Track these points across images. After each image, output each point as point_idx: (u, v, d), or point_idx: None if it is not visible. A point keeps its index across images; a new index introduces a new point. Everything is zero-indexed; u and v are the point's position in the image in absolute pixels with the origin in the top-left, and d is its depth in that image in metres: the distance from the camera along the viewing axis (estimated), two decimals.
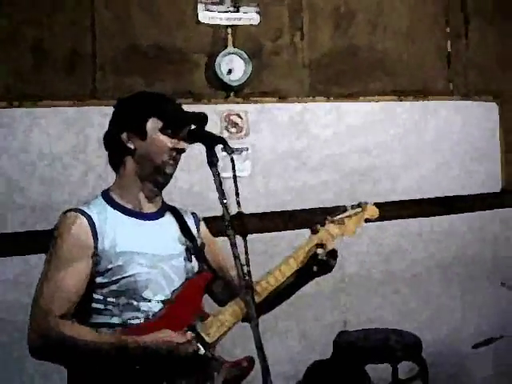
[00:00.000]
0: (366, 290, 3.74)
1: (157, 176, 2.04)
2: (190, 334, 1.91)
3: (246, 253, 1.82)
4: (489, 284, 3.94)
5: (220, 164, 1.89)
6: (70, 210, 2.00)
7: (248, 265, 1.82)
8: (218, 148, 1.91)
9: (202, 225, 2.24)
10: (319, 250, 2.07)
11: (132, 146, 2.02)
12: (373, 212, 2.26)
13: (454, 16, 3.99)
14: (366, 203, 2.27)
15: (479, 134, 4.05)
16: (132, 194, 2.06)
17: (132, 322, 1.96)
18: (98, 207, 2.02)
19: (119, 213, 2.03)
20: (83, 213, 1.98)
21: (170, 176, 2.06)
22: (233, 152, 1.89)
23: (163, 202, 2.14)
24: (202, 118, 1.98)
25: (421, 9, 3.90)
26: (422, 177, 3.89)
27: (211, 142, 1.90)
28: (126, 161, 2.05)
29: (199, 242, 2.17)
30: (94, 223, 1.97)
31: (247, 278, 1.84)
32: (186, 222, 2.15)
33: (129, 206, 2.05)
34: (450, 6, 3.97)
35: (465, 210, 3.98)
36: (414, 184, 3.87)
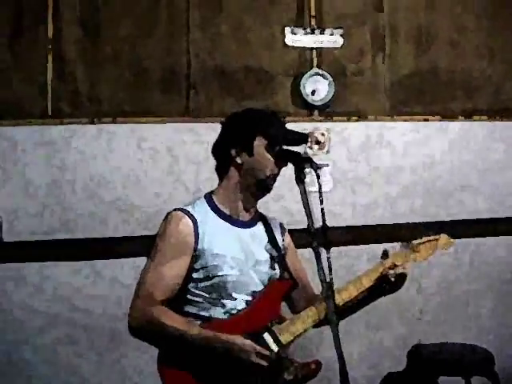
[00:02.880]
0: (441, 304, 3.81)
1: (258, 189, 2.24)
2: (257, 347, 2.06)
3: (329, 263, 1.97)
4: None
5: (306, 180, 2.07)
6: (177, 210, 2.22)
7: (330, 274, 1.97)
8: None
9: (287, 235, 2.42)
10: (391, 271, 2.21)
11: (240, 161, 2.22)
12: (446, 242, 2.37)
13: None
14: (443, 231, 2.38)
15: None
16: (232, 202, 2.26)
17: (217, 316, 2.16)
18: (201, 209, 2.23)
19: (219, 217, 2.24)
20: (188, 213, 2.20)
21: (270, 189, 2.25)
22: (319, 169, 2.06)
23: (257, 211, 2.33)
24: (304, 139, 2.20)
25: (500, 30, 3.95)
26: (500, 196, 3.93)
27: (300, 161, 2.09)
28: (231, 171, 2.25)
29: (283, 250, 2.34)
30: (197, 224, 2.18)
31: (330, 286, 1.99)
32: (273, 232, 2.34)
33: (228, 212, 2.25)
34: None
35: None
36: (494, 204, 3.91)
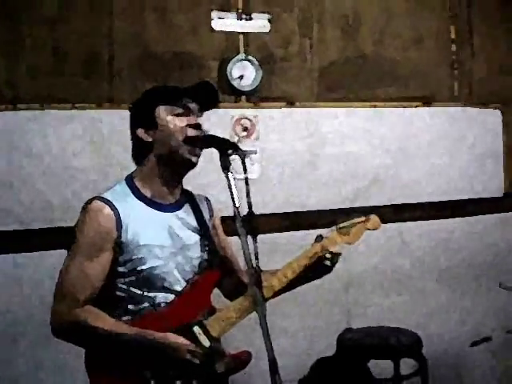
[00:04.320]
0: (369, 289, 3.84)
1: (176, 163, 2.09)
2: (188, 343, 2.00)
3: (256, 251, 1.91)
4: (487, 284, 4.03)
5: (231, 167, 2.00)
6: (95, 199, 2.06)
7: (258, 263, 1.92)
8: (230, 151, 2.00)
9: (214, 211, 2.31)
10: (327, 255, 2.19)
11: (149, 139, 2.10)
12: (375, 223, 2.35)
13: (460, 25, 4.07)
14: (371, 213, 2.36)
15: (482, 140, 4.14)
16: (154, 184, 2.12)
17: (147, 311, 2.06)
18: (123, 196, 2.09)
19: (142, 203, 2.10)
20: (109, 203, 2.05)
21: (190, 163, 2.10)
22: (245, 156, 2.00)
23: (182, 190, 2.20)
24: (210, 89, 2.11)
25: (427, 16, 4.00)
26: (425, 181, 3.99)
27: (224, 147, 2.00)
28: (148, 154, 2.12)
29: (211, 230, 2.25)
30: (118, 214, 2.04)
31: (257, 274, 1.93)
32: (201, 211, 2.23)
33: (151, 196, 2.11)
34: (456, 15, 4.06)
35: (467, 214, 4.07)
36: (416, 188, 3.97)
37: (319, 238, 2.25)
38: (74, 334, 2.03)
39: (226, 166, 1.98)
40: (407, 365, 3.47)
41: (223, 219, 2.38)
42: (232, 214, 1.95)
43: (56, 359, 3.21)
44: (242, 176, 1.95)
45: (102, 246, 2.03)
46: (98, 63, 3.37)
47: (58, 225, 3.23)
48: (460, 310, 4.03)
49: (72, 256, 2.04)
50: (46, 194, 3.29)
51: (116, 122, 3.31)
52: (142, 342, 1.99)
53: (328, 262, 2.20)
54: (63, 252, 2.11)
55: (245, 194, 1.94)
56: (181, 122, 2.08)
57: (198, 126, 2.10)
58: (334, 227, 2.30)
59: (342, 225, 2.30)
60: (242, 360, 2.12)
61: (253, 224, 1.93)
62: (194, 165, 2.12)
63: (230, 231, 2.19)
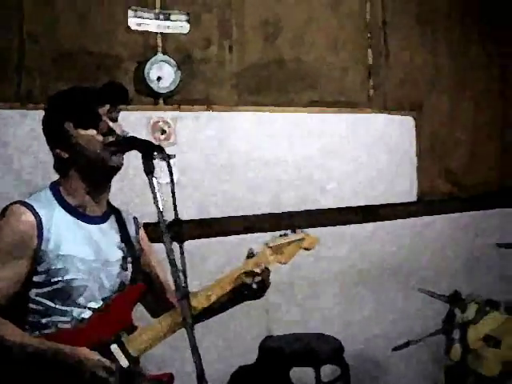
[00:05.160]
0: (288, 295, 3.81)
1: (98, 170, 2.00)
2: (103, 360, 1.88)
3: (183, 259, 1.81)
4: (407, 289, 4.10)
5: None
6: (17, 203, 1.95)
7: (185, 271, 1.82)
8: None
9: (142, 230, 2.23)
10: (248, 280, 2.07)
11: (66, 156, 2.00)
12: (312, 242, 2.22)
13: (376, 31, 4.14)
14: (306, 232, 2.24)
15: (398, 146, 4.22)
16: (78, 193, 2.01)
17: (62, 326, 1.93)
18: (46, 202, 1.98)
19: (66, 213, 1.99)
20: (31, 208, 1.93)
21: (113, 168, 2.01)
22: (170, 158, 1.91)
23: (108, 203, 2.11)
24: (111, 85, 2.02)
25: (345, 23, 4.04)
26: (344, 186, 4.01)
27: (148, 149, 1.89)
28: (68, 167, 2.02)
29: (137, 247, 2.16)
30: (41, 221, 1.93)
31: (184, 285, 1.83)
32: (126, 227, 2.13)
33: (76, 206, 2.01)
34: (371, 21, 4.12)
35: (384, 219, 4.14)
36: (337, 194, 3.98)
37: (251, 253, 2.13)
38: None
39: (149, 170, 1.87)
40: (328, 371, 3.46)
41: (147, 225, 2.28)
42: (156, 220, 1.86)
43: None
44: (165, 180, 1.85)
45: (19, 253, 1.90)
46: (5, 59, 3.16)
47: None
48: (382, 314, 4.07)
49: None
50: None
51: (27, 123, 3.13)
52: (51, 356, 1.85)
53: (255, 286, 2.08)
54: None
55: (167, 199, 1.84)
56: (92, 132, 1.97)
57: (111, 131, 1.99)
58: (266, 244, 2.16)
59: (274, 242, 2.16)
60: (164, 382, 2.02)
61: (179, 230, 1.84)
62: (118, 169, 2.02)
63: (155, 238, 2.08)
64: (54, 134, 2.00)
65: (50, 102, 2.08)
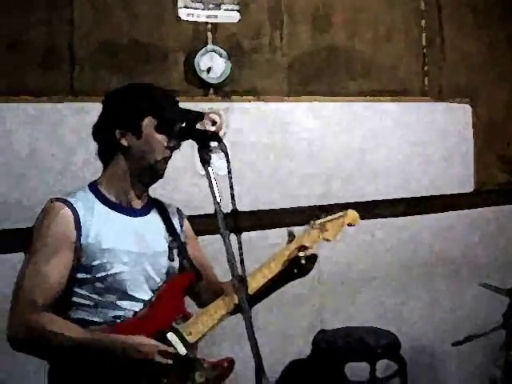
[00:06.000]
0: (343, 288, 3.74)
1: (148, 174, 2.03)
2: (163, 346, 1.88)
3: (241, 249, 1.79)
4: (467, 283, 3.99)
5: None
6: (56, 200, 1.96)
7: (242, 261, 1.80)
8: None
9: (186, 222, 2.22)
10: (301, 254, 2.09)
11: (126, 144, 2.00)
12: (354, 218, 2.29)
13: (430, 18, 4.03)
14: (347, 208, 2.30)
15: (453, 135, 4.10)
16: (121, 189, 2.03)
17: (113, 320, 1.93)
18: (84, 199, 1.99)
19: (107, 207, 2.00)
20: (68, 204, 1.94)
21: (162, 175, 2.05)
22: (227, 148, 1.87)
23: (149, 196, 2.12)
24: (198, 117, 1.96)
25: (398, 11, 3.94)
26: (397, 177, 3.92)
27: (204, 139, 1.86)
28: (118, 156, 2.02)
29: (182, 239, 2.14)
30: (78, 215, 1.93)
31: (241, 274, 1.81)
32: (170, 219, 2.13)
33: (117, 201, 2.02)
34: (426, 8, 4.01)
35: (438, 210, 4.02)
36: (389, 184, 3.89)
37: (291, 235, 2.15)
38: (33, 344, 1.87)
39: (206, 160, 1.85)
40: (383, 366, 3.38)
41: (197, 217, 2.26)
42: (204, 213, 1.84)
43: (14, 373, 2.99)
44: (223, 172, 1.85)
45: (59, 249, 1.90)
46: (57, 52, 3.16)
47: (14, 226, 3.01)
48: (439, 308, 3.97)
49: (30, 258, 1.91)
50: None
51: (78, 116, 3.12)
52: (108, 347, 1.84)
53: (303, 261, 2.09)
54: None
55: (220, 191, 1.84)
56: (164, 141, 1.99)
57: (173, 149, 2.02)
58: (310, 223, 2.20)
59: (319, 221, 2.21)
60: (224, 368, 1.99)
61: (237, 222, 1.80)
62: (161, 177, 2.06)
63: (203, 230, 2.10)
64: (129, 119, 1.99)
65: (131, 88, 2.08)
